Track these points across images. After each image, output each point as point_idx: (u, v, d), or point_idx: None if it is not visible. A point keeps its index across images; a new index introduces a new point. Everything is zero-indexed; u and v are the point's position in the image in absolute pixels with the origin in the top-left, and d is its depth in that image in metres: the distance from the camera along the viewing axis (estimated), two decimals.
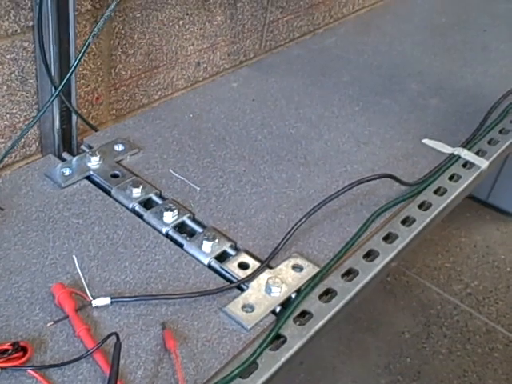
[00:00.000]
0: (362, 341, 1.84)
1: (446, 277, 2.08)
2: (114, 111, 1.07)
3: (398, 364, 1.80)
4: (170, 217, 0.82)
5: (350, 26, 1.45)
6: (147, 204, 0.86)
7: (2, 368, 0.60)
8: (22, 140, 0.93)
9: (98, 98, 1.02)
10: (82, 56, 0.85)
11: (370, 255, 0.83)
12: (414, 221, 0.88)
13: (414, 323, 1.91)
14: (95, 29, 0.85)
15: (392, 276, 2.02)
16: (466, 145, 1.04)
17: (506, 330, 1.91)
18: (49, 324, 0.66)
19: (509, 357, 1.84)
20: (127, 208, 0.84)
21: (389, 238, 0.86)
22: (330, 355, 1.79)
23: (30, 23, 0.85)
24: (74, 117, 0.94)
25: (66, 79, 0.86)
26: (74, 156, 0.93)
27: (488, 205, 2.31)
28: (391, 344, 1.86)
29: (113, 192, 0.86)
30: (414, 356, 1.81)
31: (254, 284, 0.74)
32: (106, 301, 0.68)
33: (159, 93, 1.14)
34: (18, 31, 0.85)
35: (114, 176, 0.89)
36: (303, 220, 0.82)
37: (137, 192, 0.86)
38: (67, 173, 0.88)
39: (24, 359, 0.61)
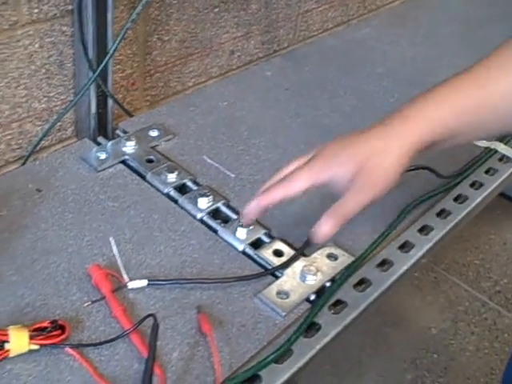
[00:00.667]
0: (388, 335, 1.83)
1: (474, 274, 2.06)
2: (149, 97, 1.07)
3: (425, 360, 1.79)
4: (204, 203, 0.82)
5: (383, 17, 1.43)
6: (182, 189, 0.86)
7: (41, 345, 0.60)
8: (59, 123, 0.94)
9: (133, 84, 1.02)
10: (120, 41, 0.86)
11: (405, 247, 0.82)
12: (449, 213, 0.87)
13: (441, 319, 1.89)
14: (134, 14, 0.85)
15: (420, 271, 2.00)
16: (503, 139, 1.02)
17: None
18: (86, 304, 0.67)
19: None
20: (162, 193, 0.85)
21: (424, 230, 0.85)
22: (356, 348, 1.79)
23: (69, 7, 0.86)
24: (110, 101, 0.95)
25: (103, 64, 0.87)
26: (108, 140, 0.94)
27: None
28: (418, 339, 1.84)
29: (148, 177, 0.87)
30: (441, 352, 1.80)
31: (288, 271, 0.74)
32: (143, 283, 0.68)
33: (193, 80, 1.14)
34: (58, 15, 0.86)
35: (149, 161, 0.89)
36: None
37: (172, 177, 0.86)
38: (103, 156, 0.88)
39: (62, 337, 0.61)
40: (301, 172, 0.70)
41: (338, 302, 0.73)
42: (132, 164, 0.89)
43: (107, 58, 0.86)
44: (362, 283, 0.76)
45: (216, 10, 1.09)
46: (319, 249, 0.78)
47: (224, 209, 0.84)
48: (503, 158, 1.00)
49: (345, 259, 0.77)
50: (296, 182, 0.70)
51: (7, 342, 0.59)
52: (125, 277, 0.69)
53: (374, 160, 0.68)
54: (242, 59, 1.21)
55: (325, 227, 0.69)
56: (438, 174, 0.91)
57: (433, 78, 1.18)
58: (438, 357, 1.79)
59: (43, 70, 0.88)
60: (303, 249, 0.77)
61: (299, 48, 1.29)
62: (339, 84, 1.15)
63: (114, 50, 0.87)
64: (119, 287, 0.68)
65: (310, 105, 1.08)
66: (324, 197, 0.87)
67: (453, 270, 2.05)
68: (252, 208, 0.72)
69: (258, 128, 1.00)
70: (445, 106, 0.69)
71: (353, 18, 1.43)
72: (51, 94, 0.90)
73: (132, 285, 0.68)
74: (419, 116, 0.69)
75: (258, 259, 0.76)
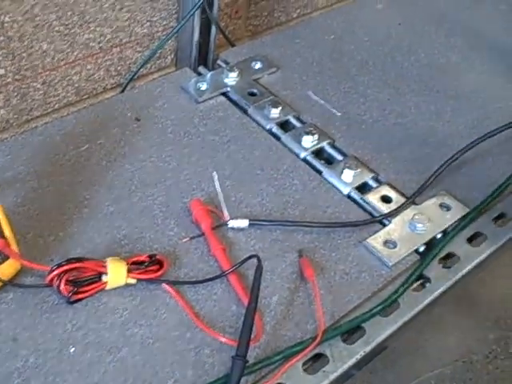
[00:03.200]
0: (472, 293, 1.76)
1: None
2: (251, 27, 1.02)
3: (510, 320, 1.71)
4: (309, 141, 0.78)
5: None
6: (285, 126, 0.82)
7: (138, 279, 0.58)
8: (159, 51, 0.90)
9: (236, 12, 0.97)
10: None
11: None
12: None
13: None
14: None
15: None
16: None
17: None
18: (184, 240, 0.64)
19: None
20: (264, 128, 0.80)
21: None
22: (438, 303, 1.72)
23: None
24: (213, 29, 0.90)
25: None
26: (209, 71, 0.90)
27: None
28: (504, 298, 1.76)
29: (250, 111, 0.82)
30: None
31: (397, 220, 0.69)
32: (244, 223, 0.65)
33: (298, 11, 1.08)
34: None
35: (252, 94, 0.85)
36: (455, 157, 0.75)
37: (275, 113, 0.81)
38: (203, 87, 0.85)
39: (160, 273, 0.59)
40: None
41: (449, 256, 0.68)
42: (233, 97, 0.85)
43: None
44: (477, 237, 0.70)
45: None
46: (431, 197, 0.72)
47: (329, 149, 0.79)
48: None
49: (459, 210, 0.71)
50: None
51: (105, 273, 0.57)
52: (226, 214, 0.66)
53: None
54: None
55: None
56: None
57: None
58: None
59: None
60: (414, 196, 0.71)
61: None
62: (457, 21, 1.05)
63: None
64: (219, 224, 0.66)
65: (425, 42, 0.99)
66: (435, 143, 0.81)
67: None
68: None
69: (367, 64, 0.93)
70: None
71: None
72: (154, 19, 0.86)
73: (232, 223, 0.65)
74: None
75: (365, 204, 0.71)
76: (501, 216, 0.73)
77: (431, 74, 0.93)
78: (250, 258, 0.59)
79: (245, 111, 0.83)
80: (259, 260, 0.58)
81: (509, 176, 0.76)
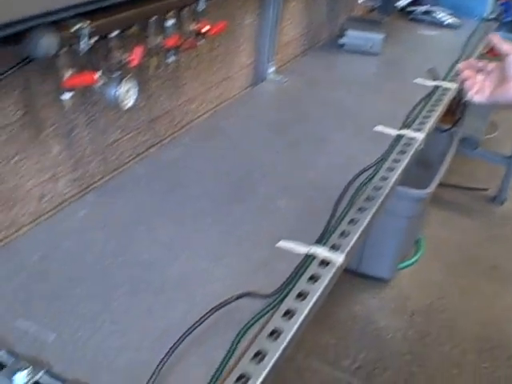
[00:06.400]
0: None
1: (333, 354, 2.09)
2: None
3: None
4: (23, 377, 0.76)
5: (194, 133, 1.46)
6: None
7: None
8: None
9: None
10: None
11: (241, 378, 0.80)
12: (280, 332, 0.87)
13: None
14: None
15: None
16: (321, 241, 1.06)
17: None
18: None
19: None
20: None
21: (258, 355, 0.84)
22: None
23: None
24: None
25: None
26: None
27: (359, 274, 2.38)
28: None
29: None
30: None
31: None
32: None
33: (3, 233, 1.07)
34: None
35: None
36: (166, 358, 0.78)
37: None
38: None
39: None
40: None
41: None
42: None
43: None
44: None
45: (14, 159, 1.05)
46: None
47: (46, 379, 0.77)
48: (323, 262, 1.02)
49: None
50: None
51: None
52: None
53: None
54: (54, 201, 1.16)
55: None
56: (260, 296, 0.91)
57: (245, 191, 1.22)
58: None
59: None
60: None
61: (112, 179, 1.26)
62: (156, 213, 1.13)
63: None
64: None
65: (129, 241, 1.05)
66: (152, 345, 0.83)
67: (313, 355, 2.07)
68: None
69: (75, 278, 0.96)
70: None
71: (164, 138, 1.45)
72: None
73: None
74: None
75: None
76: None
77: (138, 272, 0.97)
78: None
79: None
80: None
81: (222, 360, 0.81)
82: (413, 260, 2.51)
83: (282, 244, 1.05)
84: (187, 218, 1.12)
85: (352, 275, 2.38)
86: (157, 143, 1.42)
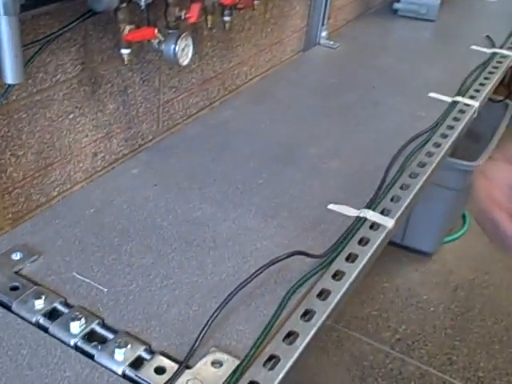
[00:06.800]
0: None
1: (374, 325, 2.09)
2: (11, 215, 1.02)
3: None
4: (77, 326, 0.78)
5: (244, 96, 1.46)
6: (52, 314, 0.81)
7: None
8: None
9: None
10: None
11: (290, 336, 0.81)
12: (329, 293, 0.87)
13: (350, 378, 1.90)
14: None
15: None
16: (371, 205, 1.05)
17: (438, 372, 1.93)
18: None
19: None
20: (31, 322, 0.79)
21: (307, 314, 0.84)
22: None
23: None
24: None
25: None
26: None
27: (403, 247, 2.36)
28: None
29: (14, 307, 0.81)
30: None
31: None
32: None
33: (57, 189, 1.10)
34: None
35: (14, 288, 0.84)
36: (218, 311, 0.79)
37: (39, 303, 0.81)
38: None
39: None
40: None
41: None
42: None
43: None
44: None
45: (71, 116, 1.06)
46: (203, 357, 0.75)
47: (99, 329, 0.79)
48: (374, 226, 1.02)
49: (230, 364, 0.75)
50: None
51: None
52: None
53: None
54: (107, 159, 1.18)
55: None
56: (311, 256, 0.91)
57: (296, 152, 1.22)
58: None
59: None
60: (186, 361, 0.74)
61: (164, 139, 1.28)
62: (208, 172, 1.14)
63: None
64: None
65: (181, 198, 1.06)
66: (203, 300, 0.85)
67: (353, 325, 2.07)
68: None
69: (128, 232, 0.97)
70: None
71: (215, 101, 1.45)
72: None
73: None
74: None
75: (140, 381, 0.72)
76: (271, 358, 0.77)
77: (190, 229, 0.99)
78: None
79: (9, 308, 0.81)
80: None
81: (272, 316, 0.82)
82: (458, 234, 2.48)
83: (333, 206, 1.05)
84: (238, 177, 1.12)
85: (395, 248, 2.36)
86: (208, 105, 1.43)
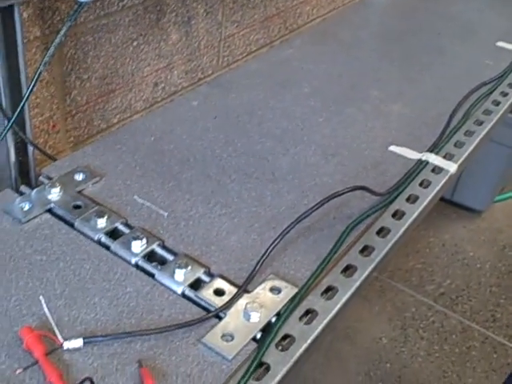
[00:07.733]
0: (340, 350, 1.83)
1: (418, 278, 2.08)
2: (72, 138, 1.03)
3: (378, 371, 1.79)
4: (138, 246, 0.79)
5: (306, 36, 1.43)
6: (114, 234, 0.82)
7: None
8: None
9: (54, 126, 0.98)
10: (33, 85, 0.82)
11: (348, 270, 0.81)
12: (388, 231, 0.87)
13: (391, 328, 1.90)
14: (46, 57, 0.82)
15: None
16: (433, 149, 1.03)
17: (481, 327, 1.92)
18: (17, 371, 0.62)
19: (486, 354, 1.85)
20: (93, 240, 0.81)
21: (365, 250, 0.84)
22: (310, 368, 1.77)
23: None
24: (31, 148, 0.90)
25: (18, 110, 0.82)
26: (32, 189, 0.89)
27: (453, 203, 2.33)
28: (370, 351, 1.84)
29: (76, 224, 0.83)
30: (394, 361, 1.80)
31: (231, 311, 0.71)
32: (79, 343, 0.64)
33: (118, 116, 1.10)
34: None
35: (77, 207, 0.85)
36: (278, 240, 0.79)
37: (102, 222, 0.82)
38: (27, 207, 0.84)
39: None
40: None
41: (286, 337, 0.71)
42: (58, 212, 0.85)
43: (22, 103, 0.82)
44: (308, 314, 0.74)
45: (135, 43, 1.06)
46: (262, 282, 0.76)
47: (159, 250, 0.80)
48: (435, 169, 1.00)
49: (288, 291, 0.75)
50: None
51: None
52: (59, 337, 0.65)
53: None
54: (167, 90, 1.18)
55: None
56: (373, 193, 0.90)
57: (358, 94, 1.20)
58: (390, 366, 1.80)
59: None
60: (245, 285, 0.75)
61: (224, 74, 1.27)
62: (267, 107, 1.13)
63: (29, 95, 0.82)
64: (53, 349, 0.64)
65: (240, 132, 1.06)
66: (262, 229, 0.85)
67: (397, 277, 2.07)
68: None
69: (188, 161, 0.97)
70: None
71: (275, 40, 1.43)
72: None
73: (67, 345, 0.64)
74: None
75: (199, 301, 0.73)
76: (328, 289, 0.78)
77: (249, 161, 0.98)
78: (83, 381, 0.58)
79: (71, 225, 0.83)
80: (92, 382, 0.58)
81: (330, 249, 0.82)
82: (510, 194, 2.43)
83: (394, 148, 1.03)
84: (298, 114, 1.11)
85: (445, 204, 2.33)
86: (268, 43, 1.41)
